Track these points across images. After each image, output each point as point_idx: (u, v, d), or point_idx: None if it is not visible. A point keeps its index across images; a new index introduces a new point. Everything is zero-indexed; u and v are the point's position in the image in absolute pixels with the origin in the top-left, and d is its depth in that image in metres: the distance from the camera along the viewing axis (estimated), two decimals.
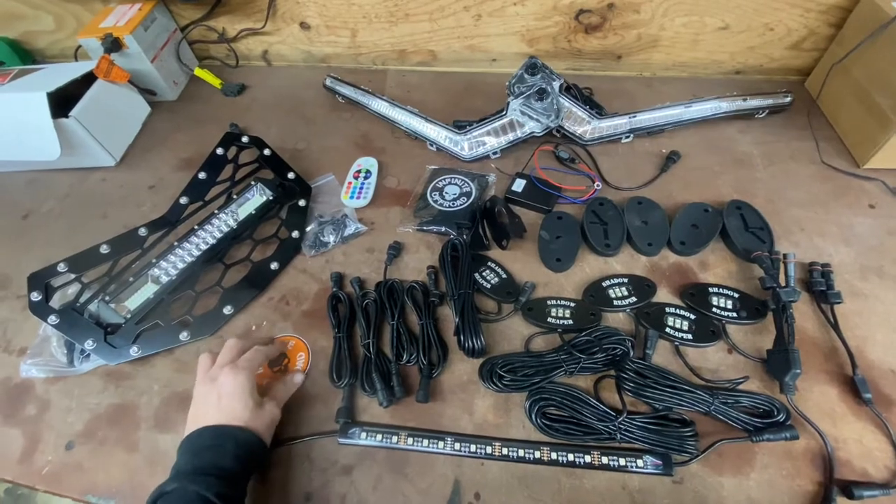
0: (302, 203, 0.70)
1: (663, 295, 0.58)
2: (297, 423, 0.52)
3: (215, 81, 0.93)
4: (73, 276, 0.58)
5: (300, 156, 0.79)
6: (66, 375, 0.57)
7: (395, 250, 0.65)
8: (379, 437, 0.50)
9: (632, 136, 0.74)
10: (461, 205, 0.68)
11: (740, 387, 0.51)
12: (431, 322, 0.57)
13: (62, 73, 0.79)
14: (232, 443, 0.43)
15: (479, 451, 0.49)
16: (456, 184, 0.71)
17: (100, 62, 0.79)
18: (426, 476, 0.48)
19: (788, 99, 0.76)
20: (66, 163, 0.78)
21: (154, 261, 0.62)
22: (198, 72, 0.93)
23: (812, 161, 0.71)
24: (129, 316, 0.58)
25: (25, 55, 1.02)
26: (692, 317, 0.55)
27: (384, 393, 0.51)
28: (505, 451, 0.48)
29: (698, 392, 0.48)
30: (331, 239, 0.67)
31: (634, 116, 0.73)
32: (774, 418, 0.48)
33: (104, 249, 0.60)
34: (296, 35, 0.92)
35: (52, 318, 0.55)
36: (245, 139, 0.71)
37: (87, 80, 0.79)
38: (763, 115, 0.77)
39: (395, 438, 0.50)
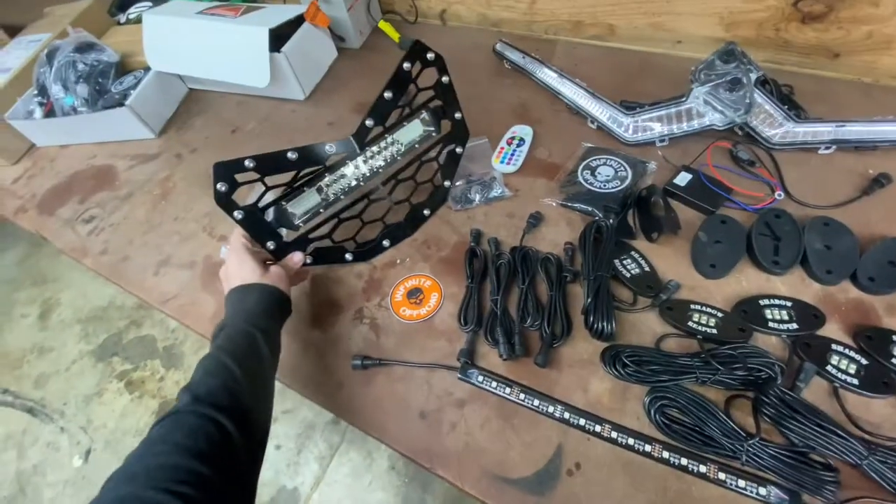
0: (459, 150, 0.69)
1: (832, 330, 0.52)
2: (423, 350, 0.58)
3: (394, 35, 1.00)
4: (257, 175, 0.57)
5: None
6: None
7: (536, 220, 0.66)
8: (494, 383, 0.54)
9: (833, 147, 0.64)
10: (613, 188, 0.66)
11: None
12: (561, 295, 0.58)
13: (280, 13, 0.92)
14: (254, 294, 0.53)
15: (588, 426, 0.50)
16: (611, 165, 0.69)
17: (310, 7, 0.90)
18: (532, 432, 0.51)
19: None
20: (268, 91, 0.92)
21: (327, 178, 0.62)
22: (381, 24, 1.01)
23: None
24: (301, 224, 0.62)
25: None
26: (864, 362, 0.49)
27: (505, 347, 0.55)
28: (614, 434, 0.49)
29: (852, 441, 0.43)
30: (476, 198, 0.71)
31: (843, 126, 0.63)
32: None
33: (292, 156, 0.58)
34: None
35: (238, 214, 0.56)
36: (430, 56, 0.63)
37: (295, 21, 0.92)
38: None
39: (508, 390, 0.53)
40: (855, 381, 0.48)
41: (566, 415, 0.51)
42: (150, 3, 1.20)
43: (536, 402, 0.52)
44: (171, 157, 0.90)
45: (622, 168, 0.68)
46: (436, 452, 0.51)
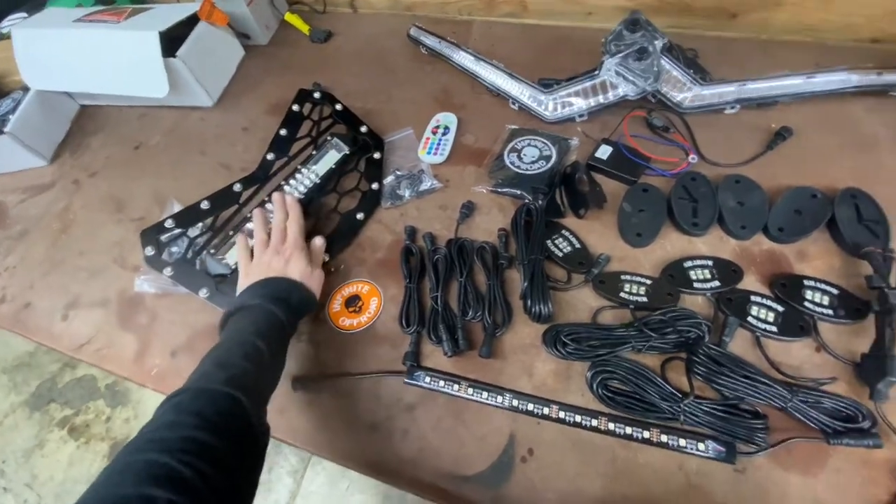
0: (377, 156, 0.72)
1: (750, 282, 0.55)
2: (367, 359, 0.56)
3: (304, 27, 0.94)
4: (179, 231, 0.62)
5: (381, 108, 0.80)
6: (172, 293, 0.64)
7: (468, 209, 0.65)
8: (441, 382, 0.53)
9: (738, 106, 0.67)
10: (539, 168, 0.66)
11: (825, 388, 0.48)
12: (499, 283, 0.58)
13: (170, 14, 0.84)
14: (298, 292, 0.55)
15: (536, 410, 0.50)
16: (535, 146, 0.69)
17: (203, 4, 0.83)
18: (483, 425, 0.51)
19: None
20: (171, 101, 0.84)
21: (249, 215, 0.64)
22: (288, 17, 0.95)
23: None
24: (233, 268, 0.62)
25: None
26: (780, 309, 0.52)
27: (449, 343, 0.54)
28: (562, 414, 0.50)
29: (776, 387, 0.46)
30: (406, 193, 0.69)
31: (744, 85, 0.66)
32: (858, 424, 0.45)
33: (205, 205, 0.63)
34: None
35: (168, 270, 0.60)
36: (317, 95, 0.71)
37: (190, 22, 0.84)
38: None
39: (456, 387, 0.53)
40: (774, 329, 0.51)
41: (515, 402, 0.51)
42: (24, 14, 1.07)
43: (485, 395, 0.52)
44: (67, 185, 0.81)
45: (546, 147, 0.68)
46: (390, 463, 0.50)
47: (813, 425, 0.46)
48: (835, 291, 0.52)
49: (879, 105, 0.67)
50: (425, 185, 0.69)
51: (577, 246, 0.59)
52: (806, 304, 0.52)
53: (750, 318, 0.52)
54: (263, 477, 1.40)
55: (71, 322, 0.66)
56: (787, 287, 0.53)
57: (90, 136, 0.88)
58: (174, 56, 0.79)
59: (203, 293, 0.60)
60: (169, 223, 0.61)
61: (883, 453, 0.44)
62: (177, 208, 0.67)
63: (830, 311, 0.51)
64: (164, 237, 0.62)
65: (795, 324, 0.51)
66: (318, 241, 0.62)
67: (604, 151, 0.66)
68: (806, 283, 0.53)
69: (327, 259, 0.63)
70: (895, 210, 0.56)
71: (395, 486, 0.49)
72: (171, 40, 0.80)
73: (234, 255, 0.63)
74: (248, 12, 0.89)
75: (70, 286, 0.69)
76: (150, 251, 0.60)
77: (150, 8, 0.90)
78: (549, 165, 0.66)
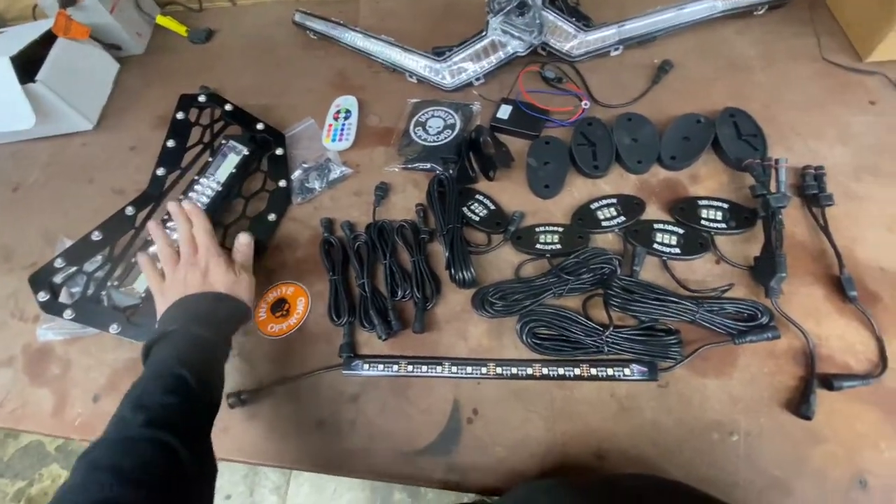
0: (279, 152, 0.69)
1: (652, 212, 0.58)
2: (303, 360, 0.55)
3: (180, 29, 0.88)
4: (74, 268, 0.57)
5: (277, 102, 0.77)
6: (82, 336, 0.60)
7: (383, 191, 0.65)
8: (380, 367, 0.53)
9: (621, 47, 0.70)
10: (446, 138, 0.66)
11: (726, 294, 0.52)
12: (423, 258, 0.58)
13: (21, 36, 0.76)
14: (224, 304, 0.51)
15: (474, 372, 0.51)
16: (439, 116, 0.69)
17: (57, 19, 0.75)
18: (427, 398, 0.51)
19: None
20: (44, 131, 0.77)
21: (149, 238, 0.60)
22: (160, 20, 0.88)
23: (813, 59, 0.67)
24: (143, 295, 0.58)
25: None
26: (681, 231, 0.55)
27: (382, 327, 0.54)
28: (499, 370, 0.51)
29: (684, 302, 0.49)
30: (316, 185, 0.67)
31: (623, 25, 0.68)
32: (758, 321, 0.49)
33: (96, 236, 0.58)
34: None
35: (68, 313, 0.55)
36: (202, 98, 0.67)
37: (49, 41, 0.76)
38: (762, 11, 0.71)
39: (395, 367, 0.53)
40: (678, 250, 0.55)
41: (454, 369, 0.52)
42: None
43: (424, 368, 0.52)
44: None
45: (449, 116, 0.68)
46: (342, 456, 0.50)
47: (720, 330, 0.49)
48: (725, 206, 0.56)
49: (747, 26, 0.72)
50: (335, 174, 0.67)
51: (492, 208, 0.60)
52: (702, 222, 0.56)
53: (656, 245, 0.55)
54: (247, 500, 1.36)
55: None
56: (685, 210, 0.57)
57: None
58: (34, 81, 0.71)
59: (114, 329, 0.56)
60: (59, 262, 0.56)
61: (783, 343, 0.49)
62: (68, 245, 0.62)
63: (724, 225, 0.55)
64: (57, 279, 0.57)
65: (696, 242, 0.55)
66: (244, 239, 0.57)
67: (504, 111, 0.66)
68: (700, 203, 0.57)
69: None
70: (769, 121, 0.61)
71: (352, 478, 0.50)
72: (32, 64, 0.73)
73: (141, 285, 0.59)
74: (113, 21, 0.82)
75: None
76: (43, 296, 0.55)
77: None
78: (455, 134, 0.66)
